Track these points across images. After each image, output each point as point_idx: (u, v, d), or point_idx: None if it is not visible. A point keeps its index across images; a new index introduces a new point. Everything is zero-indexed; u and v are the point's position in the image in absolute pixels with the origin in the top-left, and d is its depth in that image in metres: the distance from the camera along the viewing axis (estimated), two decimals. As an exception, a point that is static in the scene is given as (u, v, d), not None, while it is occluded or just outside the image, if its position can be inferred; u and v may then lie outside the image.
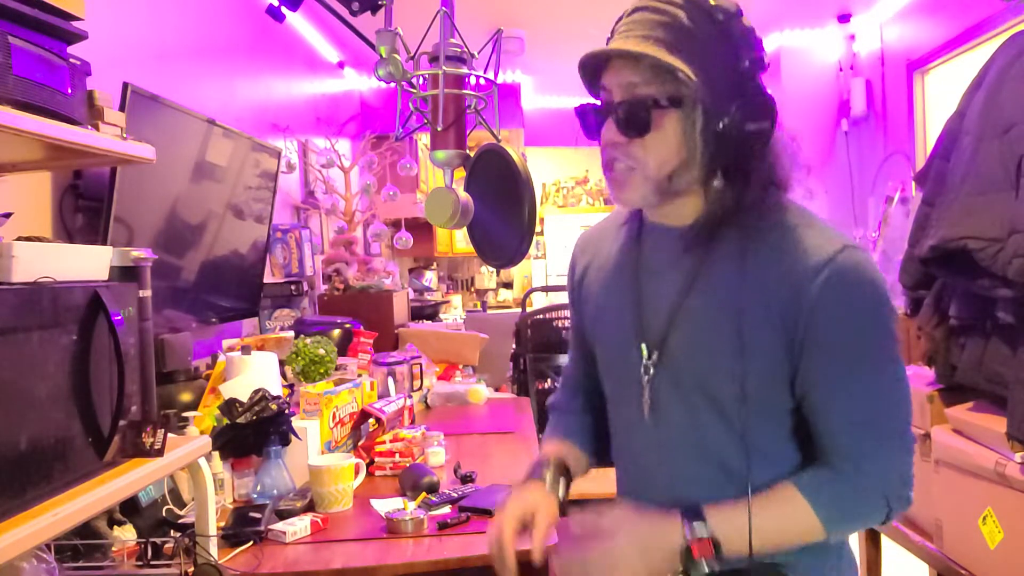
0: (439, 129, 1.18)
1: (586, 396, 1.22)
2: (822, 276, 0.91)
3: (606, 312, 1.09)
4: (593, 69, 0.99)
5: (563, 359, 3.22)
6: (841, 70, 4.75)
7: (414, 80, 1.22)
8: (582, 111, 1.01)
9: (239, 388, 1.71)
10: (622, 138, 0.95)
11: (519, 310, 3.63)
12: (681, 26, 0.92)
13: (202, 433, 1.54)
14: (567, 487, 1.11)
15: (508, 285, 6.90)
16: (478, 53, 1.23)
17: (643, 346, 1.01)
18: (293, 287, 2.89)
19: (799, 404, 0.96)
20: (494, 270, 6.63)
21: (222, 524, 1.40)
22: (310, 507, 1.56)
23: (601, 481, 3.19)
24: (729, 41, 0.92)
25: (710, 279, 0.97)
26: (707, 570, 0.89)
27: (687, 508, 0.93)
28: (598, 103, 1.00)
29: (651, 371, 1.01)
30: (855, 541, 2.33)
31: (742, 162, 0.94)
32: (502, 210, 1.19)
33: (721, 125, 0.92)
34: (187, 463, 1.16)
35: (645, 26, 0.93)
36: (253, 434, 1.62)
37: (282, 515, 1.49)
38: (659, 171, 0.95)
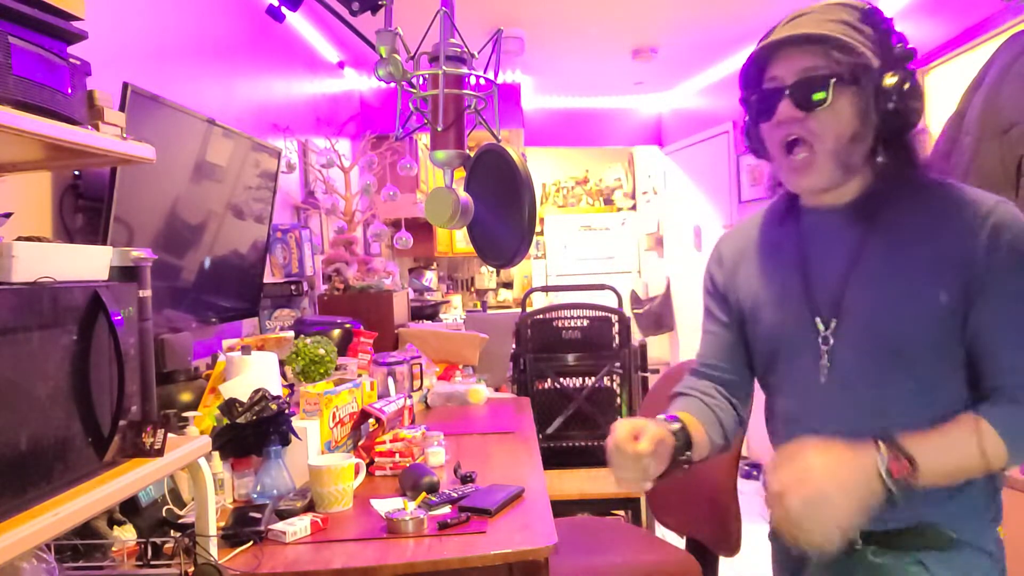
0: (439, 129, 1.18)
1: (714, 384, 1.23)
2: (989, 222, 0.98)
3: (769, 297, 1.14)
4: (751, 66, 1.07)
5: (563, 359, 3.23)
6: (841, 70, 4.74)
7: (414, 80, 1.23)
8: (747, 99, 1.08)
9: (239, 388, 1.71)
10: (799, 113, 1.02)
11: (519, 310, 3.63)
12: (845, 20, 1.02)
13: (202, 433, 1.54)
14: (687, 441, 1.10)
15: (508, 285, 6.90)
16: (478, 53, 1.23)
17: (818, 320, 1.06)
18: (293, 287, 2.89)
19: (969, 350, 1.01)
20: (494, 270, 6.63)
21: (222, 524, 1.40)
22: (310, 507, 1.56)
23: (601, 482, 3.19)
24: (878, 30, 1.03)
25: (879, 246, 1.04)
26: (910, 487, 0.92)
27: (875, 436, 0.95)
28: (757, 94, 1.07)
29: (830, 341, 1.05)
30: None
31: (902, 138, 1.03)
32: (502, 210, 1.19)
33: (890, 103, 1.00)
34: (187, 463, 1.15)
35: (813, 22, 1.03)
36: (253, 434, 1.62)
37: (282, 515, 1.49)
38: (837, 144, 1.02)
